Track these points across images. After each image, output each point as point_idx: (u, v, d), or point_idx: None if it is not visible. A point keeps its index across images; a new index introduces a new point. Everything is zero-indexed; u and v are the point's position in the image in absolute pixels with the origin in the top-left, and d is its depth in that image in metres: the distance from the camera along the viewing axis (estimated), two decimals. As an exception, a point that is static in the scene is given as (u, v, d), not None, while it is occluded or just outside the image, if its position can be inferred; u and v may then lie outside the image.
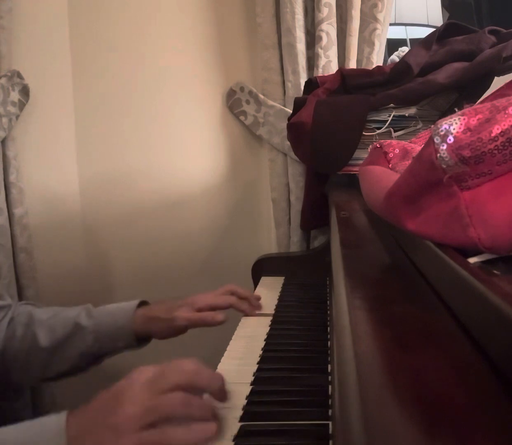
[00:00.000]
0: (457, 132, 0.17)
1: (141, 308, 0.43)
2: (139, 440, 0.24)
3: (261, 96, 0.69)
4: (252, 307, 0.45)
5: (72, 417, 0.26)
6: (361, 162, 0.45)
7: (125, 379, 0.27)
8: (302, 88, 0.62)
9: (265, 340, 0.38)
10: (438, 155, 0.17)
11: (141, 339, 0.43)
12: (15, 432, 0.25)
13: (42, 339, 0.41)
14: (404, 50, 0.70)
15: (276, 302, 0.48)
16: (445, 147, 0.17)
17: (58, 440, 0.24)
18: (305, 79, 0.63)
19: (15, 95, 0.65)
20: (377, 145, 0.33)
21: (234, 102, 0.72)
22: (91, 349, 0.41)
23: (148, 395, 0.25)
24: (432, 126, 0.17)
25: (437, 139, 0.17)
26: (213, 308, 0.43)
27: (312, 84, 0.58)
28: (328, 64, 0.63)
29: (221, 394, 0.28)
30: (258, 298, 0.47)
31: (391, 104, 0.51)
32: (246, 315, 0.44)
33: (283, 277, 0.58)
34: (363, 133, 0.51)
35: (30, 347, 0.41)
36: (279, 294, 0.51)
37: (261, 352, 0.36)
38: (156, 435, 0.24)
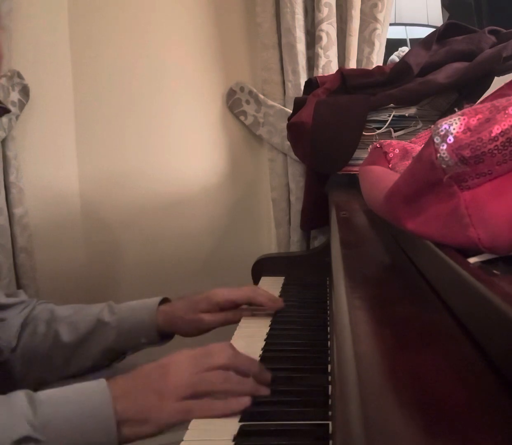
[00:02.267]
0: (457, 132, 0.17)
1: (163, 304, 0.43)
2: (180, 406, 0.26)
3: (261, 96, 0.69)
4: (272, 304, 0.44)
5: (113, 381, 0.28)
6: (361, 162, 0.45)
7: (170, 356, 0.29)
8: (302, 88, 0.62)
9: (265, 340, 0.38)
10: (438, 155, 0.17)
11: (163, 335, 0.42)
12: (60, 393, 0.27)
13: (65, 335, 0.41)
14: (404, 50, 0.70)
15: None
16: (445, 147, 0.17)
17: (102, 397, 0.26)
18: (305, 79, 0.63)
19: (15, 95, 0.65)
20: (377, 145, 0.33)
21: (234, 102, 0.72)
22: (114, 345, 0.41)
23: (194, 370, 0.28)
24: (432, 126, 0.17)
25: (437, 139, 0.17)
26: (232, 303, 0.42)
27: (312, 84, 0.58)
28: (328, 64, 0.63)
29: (262, 375, 0.30)
30: (279, 301, 0.45)
31: (391, 104, 0.51)
32: (264, 309, 0.43)
33: (283, 277, 0.58)
34: (363, 133, 0.51)
35: (52, 343, 0.41)
36: (279, 294, 0.51)
37: (261, 352, 0.36)
38: (197, 404, 0.26)
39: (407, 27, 0.86)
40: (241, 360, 0.29)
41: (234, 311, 0.42)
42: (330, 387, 0.29)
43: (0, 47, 0.39)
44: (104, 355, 0.42)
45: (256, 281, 0.59)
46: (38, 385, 0.42)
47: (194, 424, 0.27)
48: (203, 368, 0.28)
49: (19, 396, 0.26)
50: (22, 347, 0.41)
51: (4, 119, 0.63)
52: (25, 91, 0.66)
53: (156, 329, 0.41)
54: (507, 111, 0.16)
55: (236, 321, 0.42)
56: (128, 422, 0.26)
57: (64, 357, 0.41)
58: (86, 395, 0.26)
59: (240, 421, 0.27)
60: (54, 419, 0.25)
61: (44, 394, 0.27)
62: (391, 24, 0.72)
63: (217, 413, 0.27)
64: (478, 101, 0.44)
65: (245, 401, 0.27)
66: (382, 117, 0.52)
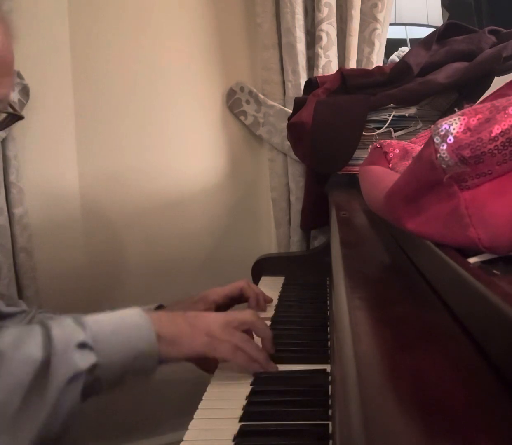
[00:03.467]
0: (457, 132, 0.17)
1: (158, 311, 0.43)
2: (208, 340, 0.29)
3: (261, 96, 0.69)
4: (262, 299, 0.45)
5: (150, 311, 0.31)
6: (361, 162, 0.45)
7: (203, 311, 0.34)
8: (302, 88, 0.62)
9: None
10: (438, 155, 0.17)
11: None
12: (100, 315, 0.29)
13: None
14: (404, 50, 0.70)
15: (276, 302, 0.48)
16: (445, 147, 0.17)
17: (140, 316, 0.29)
18: (305, 79, 0.63)
19: (15, 95, 0.65)
20: (377, 145, 0.33)
21: (234, 102, 0.72)
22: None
23: (225, 320, 0.31)
24: (432, 126, 0.17)
25: (437, 139, 0.17)
26: (227, 297, 0.43)
27: (312, 84, 0.58)
28: (328, 64, 0.63)
29: (269, 344, 0.33)
30: (270, 301, 0.47)
31: (391, 104, 0.51)
32: (251, 305, 0.44)
33: (283, 277, 0.58)
34: (363, 133, 0.51)
35: None
36: (279, 294, 0.51)
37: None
38: (223, 345, 0.29)
39: (407, 27, 0.86)
40: (260, 324, 0.33)
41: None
42: (330, 387, 0.29)
43: (12, 60, 0.37)
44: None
45: (256, 281, 0.59)
46: None
47: (194, 424, 0.27)
48: (233, 320, 0.32)
49: (65, 319, 0.28)
50: None
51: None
52: (25, 91, 0.66)
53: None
54: (507, 111, 0.16)
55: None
56: (163, 339, 0.28)
57: None
58: (127, 315, 0.29)
59: (240, 421, 0.27)
60: (101, 333, 0.27)
61: (87, 317, 0.29)
62: (391, 24, 0.72)
63: (239, 360, 0.30)
64: (478, 101, 0.44)
65: (267, 365, 0.31)
66: (382, 117, 0.52)
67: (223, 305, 0.43)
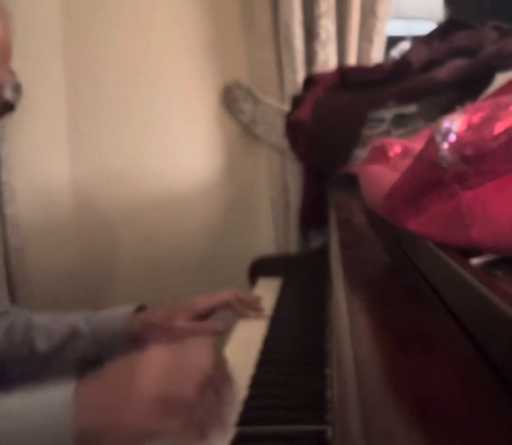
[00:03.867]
0: (459, 131, 0.16)
1: (139, 313, 0.43)
2: (144, 425, 0.24)
3: (259, 94, 0.68)
4: (252, 309, 0.44)
5: (82, 388, 0.26)
6: (361, 161, 0.44)
7: (143, 354, 0.27)
8: (300, 85, 0.62)
9: (262, 343, 0.38)
10: (439, 154, 0.17)
11: (140, 342, 0.42)
12: (20, 401, 0.25)
13: (40, 344, 0.41)
14: (404, 46, 0.69)
15: (274, 303, 0.48)
16: (446, 145, 0.16)
17: (62, 410, 0.24)
18: (303, 76, 0.62)
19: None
20: (377, 144, 0.33)
21: (231, 99, 0.71)
22: (89, 354, 0.41)
23: (167, 379, 0.25)
24: (433, 124, 0.17)
25: (438, 138, 0.17)
26: (212, 311, 0.42)
27: (310, 81, 0.58)
28: (327, 61, 0.63)
29: (222, 398, 0.26)
30: (258, 300, 0.46)
31: (391, 102, 0.50)
32: (240, 315, 0.44)
33: (281, 278, 0.57)
34: (363, 131, 0.51)
35: (28, 352, 0.41)
36: (277, 295, 0.51)
37: (258, 354, 0.36)
38: (160, 424, 0.24)
39: (408, 23, 0.85)
40: (216, 376, 0.26)
41: (212, 323, 0.41)
42: (328, 390, 0.29)
43: (10, 47, 0.35)
44: (79, 364, 0.41)
45: (253, 282, 0.59)
46: (14, 388, 0.42)
47: None
48: (178, 378, 0.25)
49: None
50: (0, 357, 0.41)
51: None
52: (17, 89, 0.65)
53: (131, 338, 0.41)
54: (510, 109, 0.16)
55: (208, 333, 0.41)
56: (86, 436, 0.24)
57: (39, 366, 0.41)
58: (47, 409, 0.24)
59: (237, 425, 0.27)
60: (6, 434, 0.23)
61: (3, 403, 0.25)
62: (391, 19, 0.71)
63: (176, 434, 0.24)
64: (481, 98, 0.44)
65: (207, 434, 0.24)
66: (382, 115, 0.51)
67: (206, 316, 0.42)
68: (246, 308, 0.44)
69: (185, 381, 0.25)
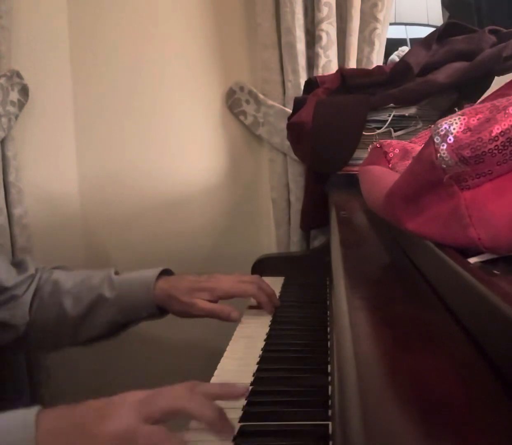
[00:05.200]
0: (457, 132, 0.17)
1: (162, 280, 0.43)
2: None
3: (261, 96, 0.69)
4: (271, 304, 0.44)
5: (48, 415, 0.25)
6: (361, 162, 0.45)
7: (117, 396, 0.26)
8: (302, 87, 0.62)
9: (265, 340, 0.38)
10: (438, 155, 0.17)
11: (162, 309, 0.43)
12: None
13: (69, 308, 0.42)
14: (404, 49, 0.70)
15: (276, 301, 0.48)
16: (445, 147, 0.17)
17: (25, 433, 0.24)
18: (305, 79, 0.63)
19: (14, 95, 0.65)
20: (377, 145, 0.33)
21: (233, 101, 0.72)
22: (116, 318, 0.42)
23: (135, 417, 0.24)
24: (432, 126, 0.17)
25: (437, 139, 0.17)
26: (232, 296, 0.42)
27: (312, 83, 0.58)
28: (328, 64, 0.63)
29: (216, 426, 0.25)
30: (278, 304, 0.46)
31: (391, 104, 0.51)
32: (264, 308, 0.43)
33: (283, 277, 0.57)
34: (363, 133, 0.51)
35: (58, 316, 0.42)
36: (279, 294, 0.51)
37: (261, 352, 0.36)
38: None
39: (407, 27, 0.86)
40: (193, 405, 0.25)
41: (230, 309, 0.42)
42: (330, 387, 0.29)
43: None
44: (109, 326, 0.43)
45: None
46: (52, 351, 0.43)
47: (194, 424, 0.27)
48: (145, 415, 0.24)
49: None
50: (33, 320, 0.42)
51: (3, 119, 0.63)
52: (24, 91, 0.66)
53: (154, 305, 0.42)
54: (507, 111, 0.16)
55: (228, 320, 0.41)
56: None
57: (71, 328, 0.42)
58: (10, 429, 0.24)
59: (239, 421, 0.27)
60: None
61: None
62: (391, 24, 0.72)
63: None
64: (478, 101, 0.44)
65: None
66: (382, 117, 0.52)
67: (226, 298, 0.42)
68: (269, 302, 0.43)
69: (149, 417, 0.24)
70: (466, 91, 0.52)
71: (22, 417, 0.25)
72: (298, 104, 0.57)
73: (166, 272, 0.44)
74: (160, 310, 0.43)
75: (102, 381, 0.71)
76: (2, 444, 0.24)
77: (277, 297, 0.48)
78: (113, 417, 0.24)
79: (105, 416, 0.25)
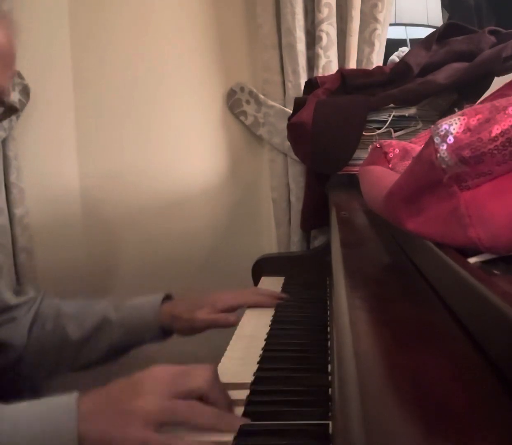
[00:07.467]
0: (457, 132, 0.17)
1: (166, 303, 0.44)
2: (144, 437, 0.24)
3: (261, 96, 0.69)
4: (272, 298, 0.45)
5: (85, 397, 0.26)
6: (361, 162, 0.45)
7: (147, 372, 0.27)
8: (302, 88, 0.62)
9: (265, 340, 0.38)
10: (438, 155, 0.17)
11: (166, 331, 0.43)
12: (26, 408, 0.26)
13: (71, 332, 0.42)
14: (404, 50, 0.70)
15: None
16: (445, 147, 0.17)
17: (68, 416, 0.25)
18: (305, 79, 0.63)
19: (15, 95, 0.65)
20: (377, 145, 0.33)
21: (234, 102, 0.72)
22: (118, 342, 0.42)
23: (168, 394, 0.26)
24: (432, 126, 0.17)
25: (437, 139, 0.17)
26: (235, 308, 0.43)
27: (312, 84, 0.58)
28: (328, 64, 0.63)
29: (222, 419, 0.26)
30: (282, 298, 0.46)
31: (391, 104, 0.51)
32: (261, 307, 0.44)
33: (283, 277, 0.58)
34: (363, 133, 0.51)
35: (60, 340, 0.42)
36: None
37: (261, 352, 0.36)
38: (161, 440, 0.24)
39: (407, 27, 0.86)
40: (216, 390, 0.27)
41: (225, 315, 0.43)
42: (330, 387, 0.29)
43: (13, 54, 0.36)
44: (109, 350, 0.43)
45: (256, 281, 0.59)
46: (48, 378, 0.43)
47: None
48: (178, 392, 0.26)
49: None
50: (32, 344, 0.42)
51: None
52: (25, 91, 0.66)
53: (159, 327, 0.42)
54: (507, 111, 0.16)
55: (226, 326, 0.42)
56: (85, 443, 0.24)
57: (71, 353, 0.42)
58: (52, 413, 0.25)
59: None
60: (14, 436, 0.24)
61: (9, 409, 0.26)
62: (391, 24, 0.72)
63: None
64: (478, 101, 0.44)
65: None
66: (382, 117, 0.52)
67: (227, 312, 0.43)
68: (269, 297, 0.44)
69: (184, 394, 0.25)
70: (466, 91, 0.52)
71: (65, 402, 0.26)
72: (299, 104, 0.57)
73: (167, 297, 0.45)
74: (163, 332, 0.43)
75: (102, 380, 0.71)
76: (49, 428, 0.25)
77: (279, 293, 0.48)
78: (147, 394, 0.25)
79: (139, 394, 0.26)
